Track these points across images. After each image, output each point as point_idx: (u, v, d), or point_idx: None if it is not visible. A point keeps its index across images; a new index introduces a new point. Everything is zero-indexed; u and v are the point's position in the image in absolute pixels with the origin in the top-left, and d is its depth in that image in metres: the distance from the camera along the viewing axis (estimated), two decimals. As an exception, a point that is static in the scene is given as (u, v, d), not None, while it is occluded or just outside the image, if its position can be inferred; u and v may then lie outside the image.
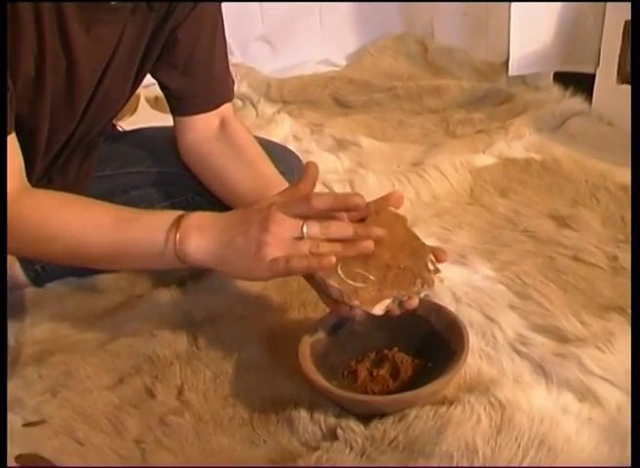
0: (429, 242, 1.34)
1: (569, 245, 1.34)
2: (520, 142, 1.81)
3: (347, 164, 1.81)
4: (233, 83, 1.36)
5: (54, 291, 1.37)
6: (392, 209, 1.02)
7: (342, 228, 0.95)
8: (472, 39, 2.40)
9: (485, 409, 0.94)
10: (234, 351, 1.15)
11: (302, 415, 0.98)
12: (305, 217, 0.93)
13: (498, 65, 2.29)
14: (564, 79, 2.08)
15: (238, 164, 1.24)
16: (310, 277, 1.02)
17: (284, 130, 2.05)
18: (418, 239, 1.01)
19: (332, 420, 0.97)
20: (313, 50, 2.60)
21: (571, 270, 1.26)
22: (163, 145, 1.36)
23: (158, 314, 1.28)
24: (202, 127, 1.29)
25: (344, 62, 2.63)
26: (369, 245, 0.93)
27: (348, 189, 1.64)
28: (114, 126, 1.55)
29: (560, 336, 1.10)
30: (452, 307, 1.17)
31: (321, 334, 1.06)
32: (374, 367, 1.04)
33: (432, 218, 1.50)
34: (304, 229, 0.92)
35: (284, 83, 2.33)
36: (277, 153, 1.40)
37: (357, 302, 0.94)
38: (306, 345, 1.03)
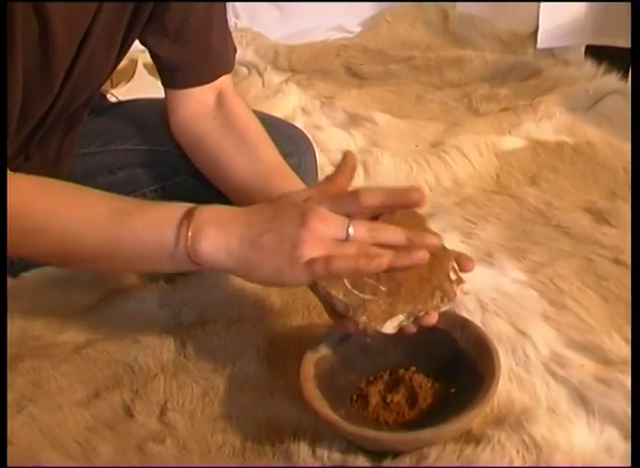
0: (452, 237, 1.24)
1: (608, 244, 1.19)
2: (550, 123, 1.66)
3: (361, 142, 1.67)
4: (235, 52, 1.22)
5: (29, 281, 1.23)
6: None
7: (394, 233, 0.80)
8: (497, 7, 2.23)
9: (518, 451, 0.81)
10: (227, 363, 1.02)
11: (303, 449, 0.85)
12: (349, 216, 0.80)
13: (524, 37, 2.13)
14: (597, 54, 1.92)
15: (235, 146, 1.11)
16: (314, 284, 0.86)
17: (292, 102, 1.90)
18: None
19: (337, 456, 0.84)
20: (325, 15, 2.43)
21: (611, 275, 1.12)
22: (155, 121, 1.23)
23: (143, 314, 1.15)
24: (196, 102, 1.15)
25: (358, 29, 2.46)
26: (424, 256, 0.78)
27: (360, 170, 1.49)
28: (103, 97, 1.43)
29: (602, 357, 0.96)
30: (477, 317, 1.04)
31: (326, 350, 0.93)
32: (387, 390, 0.90)
33: (454, 208, 1.35)
34: (350, 230, 0.78)
35: (293, 50, 2.17)
36: (282, 131, 1.27)
37: (364, 318, 0.80)
38: (309, 364, 0.90)
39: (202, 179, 1.17)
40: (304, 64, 2.14)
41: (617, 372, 0.92)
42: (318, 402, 0.84)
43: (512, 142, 1.56)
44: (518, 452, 0.80)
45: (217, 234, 0.80)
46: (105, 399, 0.97)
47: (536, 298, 1.08)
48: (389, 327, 0.81)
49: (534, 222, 1.29)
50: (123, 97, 1.55)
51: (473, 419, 0.83)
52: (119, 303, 1.17)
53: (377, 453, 0.83)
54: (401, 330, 0.82)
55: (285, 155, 1.19)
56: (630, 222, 1.10)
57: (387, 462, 0.82)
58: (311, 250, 0.76)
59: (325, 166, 1.53)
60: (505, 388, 0.92)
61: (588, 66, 1.88)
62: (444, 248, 0.85)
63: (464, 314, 1.04)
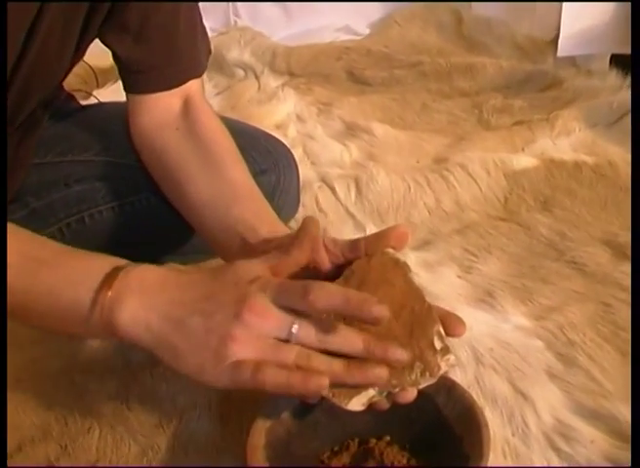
0: (449, 270, 1.08)
1: (629, 286, 1.01)
2: (568, 140, 1.49)
3: (356, 155, 1.51)
4: (208, 54, 1.09)
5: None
6: (391, 251, 0.73)
7: (350, 341, 0.65)
8: (516, 11, 2.06)
9: None
10: (173, 416, 0.88)
11: None
12: (298, 313, 0.65)
13: (544, 43, 1.96)
14: (623, 63, 1.74)
15: (197, 162, 0.96)
16: None
17: (287, 108, 1.75)
18: (423, 300, 0.70)
19: None
20: (332, 15, 2.27)
21: (633, 325, 0.94)
22: (119, 129, 1.09)
23: (87, 350, 1.00)
24: (160, 109, 1.01)
25: (367, 31, 2.30)
26: (382, 374, 0.64)
27: (352, 188, 1.34)
28: (71, 98, 1.28)
29: (617, 430, 0.81)
30: (470, 371, 0.89)
31: (284, 413, 0.77)
32: (353, 465, 0.74)
33: (454, 236, 1.19)
34: (294, 329, 0.64)
35: (292, 52, 2.01)
36: (259, 145, 1.15)
37: (326, 392, 0.65)
38: (260, 430, 0.74)
39: (164, 197, 1.03)
40: (303, 67, 1.98)
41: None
42: (262, 480, 0.68)
43: (524, 161, 1.39)
44: None
45: (138, 304, 0.67)
46: (28, 454, 0.84)
47: (541, 351, 0.93)
48: (356, 404, 0.66)
49: (544, 256, 1.12)
50: (109, 99, 1.41)
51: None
52: (61, 337, 1.01)
53: None
54: (371, 405, 0.67)
55: (261, 172, 1.08)
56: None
57: None
58: (241, 350, 0.63)
59: (314, 182, 1.38)
60: (498, 464, 0.76)
61: (613, 77, 1.71)
62: (429, 306, 0.69)
63: (455, 367, 0.88)
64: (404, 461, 0.74)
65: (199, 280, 0.69)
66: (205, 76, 2.05)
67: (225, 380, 0.64)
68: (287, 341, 0.64)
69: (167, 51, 1.00)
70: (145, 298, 0.67)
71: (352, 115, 1.68)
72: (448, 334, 0.68)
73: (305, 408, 0.78)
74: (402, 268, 0.70)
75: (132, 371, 0.94)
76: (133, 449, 0.83)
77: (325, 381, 0.61)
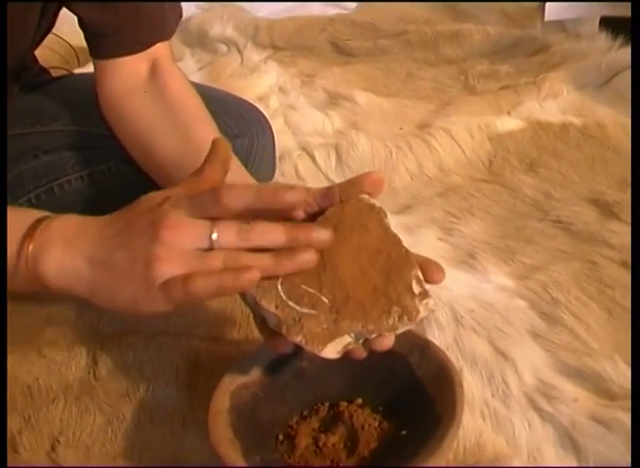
0: (429, 233, 1.04)
1: (617, 244, 0.98)
2: (555, 102, 1.44)
3: (338, 124, 1.46)
4: (179, 18, 1.05)
5: None
6: (366, 197, 0.68)
7: (271, 231, 0.63)
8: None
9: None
10: (140, 385, 0.85)
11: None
12: (215, 219, 0.63)
13: (532, 9, 1.90)
14: (613, 26, 1.69)
15: (165, 123, 0.93)
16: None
17: (268, 80, 1.70)
18: (399, 245, 0.66)
19: (248, 518, 0.64)
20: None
21: (619, 282, 0.92)
22: (88, 98, 1.05)
23: (56, 321, 0.97)
24: (126, 74, 0.98)
25: (354, 5, 2.24)
26: (310, 258, 0.62)
27: (332, 156, 1.29)
28: (44, 71, 1.24)
29: (602, 389, 0.77)
30: (449, 332, 0.86)
31: (250, 375, 0.74)
32: (322, 430, 0.71)
33: (435, 199, 1.15)
34: (214, 236, 0.62)
35: (274, 25, 1.96)
36: (231, 109, 1.11)
37: (300, 338, 0.62)
38: (224, 393, 0.71)
39: (134, 165, 1.00)
40: (287, 40, 1.93)
41: (618, 410, 0.72)
42: (225, 444, 0.65)
43: (510, 123, 1.35)
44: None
45: (62, 253, 0.66)
46: (-11, 428, 0.79)
47: (524, 310, 0.89)
48: (332, 350, 0.62)
49: (528, 216, 1.08)
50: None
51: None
52: (30, 310, 0.99)
53: (299, 516, 0.64)
54: (347, 353, 0.63)
55: (234, 136, 1.05)
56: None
57: None
58: (166, 268, 0.61)
59: (294, 151, 1.34)
60: (476, 428, 0.73)
61: (602, 39, 1.65)
62: (406, 251, 0.65)
63: (434, 329, 0.85)
64: (375, 424, 0.70)
65: (116, 216, 0.67)
66: (187, 52, 2.02)
67: (161, 303, 0.62)
68: (211, 250, 0.62)
69: (132, 14, 0.96)
70: (68, 246, 0.65)
71: (335, 85, 1.63)
72: (427, 281, 0.64)
73: (274, 371, 0.75)
74: (378, 213, 0.66)
75: (100, 342, 0.91)
76: (98, 420, 0.80)
77: (256, 273, 0.59)
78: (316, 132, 1.43)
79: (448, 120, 1.36)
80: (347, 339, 0.62)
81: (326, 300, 0.63)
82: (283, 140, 1.35)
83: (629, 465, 0.64)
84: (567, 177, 1.17)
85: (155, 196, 0.66)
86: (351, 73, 1.70)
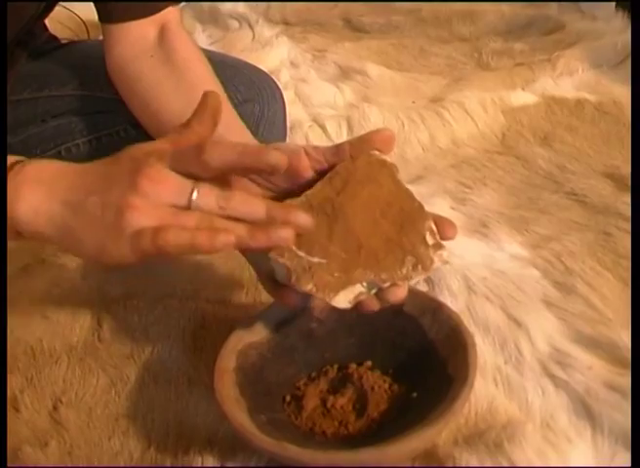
0: (442, 202, 1.02)
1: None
2: (570, 79, 1.42)
3: (350, 97, 1.45)
4: None
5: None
6: (377, 153, 0.66)
7: (250, 204, 0.60)
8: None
9: (493, 480, 0.59)
10: (145, 347, 0.83)
11: (207, 465, 0.63)
12: (197, 178, 0.60)
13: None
14: (629, 5, 1.65)
15: (172, 87, 0.91)
16: None
17: (280, 54, 1.68)
18: (412, 199, 0.65)
19: (252, 478, 0.63)
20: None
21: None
22: (96, 63, 1.03)
23: (61, 284, 0.96)
24: (134, 38, 0.96)
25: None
26: (286, 235, 0.58)
27: (344, 128, 1.28)
28: (54, 38, 1.22)
29: (616, 357, 0.75)
30: (461, 300, 0.84)
31: (258, 336, 0.72)
32: (331, 391, 0.69)
33: (448, 170, 1.13)
34: (194, 196, 0.59)
35: (286, 1, 1.93)
36: (242, 75, 1.09)
37: (311, 287, 0.60)
38: (231, 353, 0.69)
39: (142, 129, 0.97)
40: (298, 16, 1.91)
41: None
42: (231, 403, 0.64)
43: (524, 98, 1.34)
44: (492, 484, 0.59)
45: (37, 195, 0.63)
46: (-9, 388, 0.78)
47: (537, 279, 0.87)
48: (343, 299, 0.61)
49: (542, 188, 1.06)
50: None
51: (433, 438, 0.62)
52: (38, 273, 0.99)
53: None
54: (359, 305, 0.62)
55: (244, 102, 1.03)
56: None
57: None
58: (139, 218, 0.58)
59: (305, 122, 1.32)
60: (488, 394, 0.71)
61: (619, 20, 1.63)
62: (419, 204, 0.64)
63: (446, 296, 0.83)
64: (385, 386, 0.69)
65: (98, 163, 0.64)
66: (199, 28, 2.00)
67: (128, 252, 0.59)
68: (187, 209, 0.59)
69: None
70: (43, 188, 0.63)
71: (347, 59, 1.61)
72: (441, 236, 0.63)
73: (282, 332, 0.73)
74: (389, 168, 0.65)
75: (105, 304, 0.90)
76: (101, 381, 0.79)
77: (231, 238, 0.57)
78: (327, 104, 1.42)
79: (461, 94, 1.34)
80: (359, 289, 0.61)
81: (337, 250, 0.61)
82: (294, 112, 1.33)
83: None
84: (582, 151, 1.15)
85: (141, 147, 0.63)
86: (363, 48, 1.68)
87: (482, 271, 0.87)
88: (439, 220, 0.64)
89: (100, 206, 0.60)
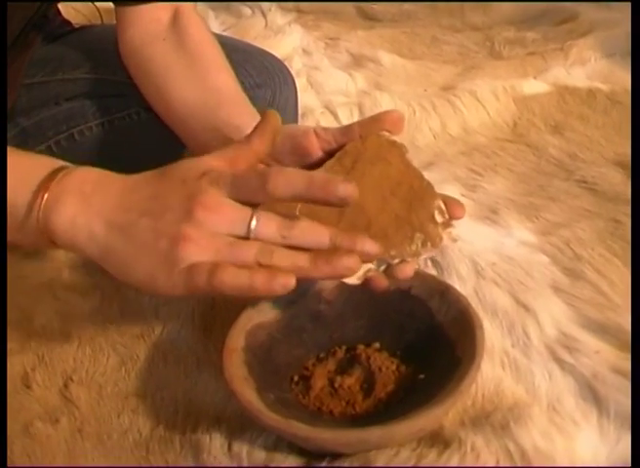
0: (452, 189, 1.02)
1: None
2: (583, 69, 1.42)
3: (362, 84, 1.45)
4: None
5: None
6: (386, 134, 0.67)
7: (313, 232, 0.57)
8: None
9: (498, 461, 0.59)
10: (155, 327, 0.84)
11: (215, 444, 0.64)
12: (256, 207, 0.58)
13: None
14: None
15: (183, 71, 0.91)
16: None
17: (292, 42, 1.68)
18: (421, 178, 0.66)
19: (260, 455, 0.64)
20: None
21: (644, 241, 0.89)
22: (109, 47, 1.03)
23: (73, 265, 0.96)
24: (147, 21, 0.96)
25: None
26: (351, 265, 0.56)
27: (356, 114, 1.28)
28: (67, 23, 1.23)
29: (624, 342, 0.74)
30: (470, 284, 0.84)
31: (267, 316, 0.73)
32: (338, 372, 0.70)
33: (459, 157, 1.13)
34: (253, 224, 0.56)
35: (299, -12, 1.94)
36: (254, 60, 1.10)
37: None
38: (240, 332, 0.70)
39: (155, 112, 0.97)
40: (311, 4, 1.91)
41: (642, 362, 0.70)
42: (240, 381, 0.64)
43: (535, 87, 1.33)
44: (497, 464, 0.59)
45: (78, 209, 0.60)
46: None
47: (546, 265, 0.87)
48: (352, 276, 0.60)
49: (553, 176, 1.06)
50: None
51: (439, 417, 0.62)
52: (49, 255, 0.99)
53: (312, 453, 0.62)
54: (368, 282, 0.63)
55: (256, 86, 1.04)
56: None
57: (322, 466, 0.61)
58: (195, 251, 0.55)
59: (317, 108, 1.32)
60: (495, 376, 0.71)
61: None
62: (428, 183, 0.65)
63: (454, 280, 0.84)
64: (392, 367, 0.69)
65: (144, 180, 0.61)
66: (211, 14, 2.00)
67: (180, 287, 0.56)
68: (245, 239, 0.56)
69: None
70: (86, 203, 0.60)
71: (360, 47, 1.61)
72: (449, 215, 0.63)
73: (291, 313, 0.74)
74: (399, 148, 0.65)
75: (115, 285, 0.90)
76: (111, 360, 0.80)
77: (292, 280, 0.54)
78: (339, 91, 1.42)
79: (473, 82, 1.34)
80: (368, 265, 0.61)
81: (347, 227, 0.62)
82: (306, 99, 1.33)
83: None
84: (593, 140, 1.15)
85: (193, 165, 0.60)
86: (376, 37, 1.68)
87: (491, 256, 0.87)
88: (447, 200, 0.65)
89: (151, 232, 0.57)
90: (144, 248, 0.57)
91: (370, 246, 0.57)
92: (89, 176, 0.63)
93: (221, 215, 0.56)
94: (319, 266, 0.56)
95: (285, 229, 0.56)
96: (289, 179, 0.56)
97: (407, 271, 0.62)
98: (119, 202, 0.60)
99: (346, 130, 0.67)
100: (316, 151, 0.68)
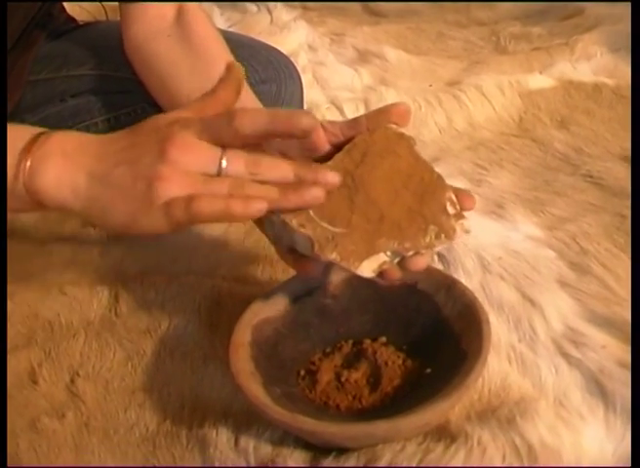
0: (458, 183, 1.00)
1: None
2: (588, 64, 1.42)
3: (367, 80, 1.45)
4: None
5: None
6: (394, 126, 0.67)
7: (279, 167, 0.61)
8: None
9: (504, 456, 0.59)
10: (161, 322, 0.84)
11: (222, 439, 0.64)
12: (225, 145, 0.60)
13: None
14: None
15: (189, 66, 0.91)
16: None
17: (297, 38, 1.68)
18: (431, 170, 0.66)
19: (266, 450, 0.64)
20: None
21: (651, 235, 0.89)
22: (113, 43, 1.04)
23: (79, 261, 0.97)
24: (152, 17, 0.96)
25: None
26: (318, 194, 0.59)
27: (361, 110, 1.28)
28: (72, 19, 1.23)
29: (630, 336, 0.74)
30: (476, 278, 0.84)
31: (273, 311, 0.73)
32: (345, 366, 0.70)
33: (464, 152, 1.13)
34: (223, 162, 0.59)
35: (305, -16, 1.94)
36: (260, 55, 1.10)
37: (335, 255, 0.60)
38: (246, 327, 0.70)
39: (160, 108, 0.97)
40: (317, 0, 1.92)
41: (648, 356, 0.70)
42: (246, 376, 0.64)
43: (541, 82, 1.33)
44: (504, 459, 0.59)
45: (61, 167, 0.63)
46: (9, 362, 0.79)
47: (552, 260, 0.87)
48: (367, 268, 0.61)
49: (558, 170, 1.06)
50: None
51: (446, 411, 0.62)
52: (55, 250, 1.00)
53: (318, 448, 0.62)
54: (382, 275, 0.62)
55: (261, 82, 1.04)
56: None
57: (328, 461, 0.61)
58: (171, 187, 0.58)
59: (322, 104, 1.32)
60: (502, 371, 0.71)
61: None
62: (438, 176, 0.65)
63: (460, 275, 0.84)
64: (399, 362, 0.69)
65: (120, 134, 0.64)
66: (217, 11, 2.00)
67: (160, 223, 0.59)
68: (217, 176, 0.59)
69: None
70: (67, 160, 0.63)
71: (365, 43, 1.61)
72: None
73: (297, 308, 0.74)
74: (407, 141, 0.65)
75: (122, 281, 0.90)
76: (118, 355, 0.80)
77: (264, 205, 0.57)
78: (345, 87, 1.42)
79: (478, 77, 1.34)
80: (383, 258, 0.61)
81: (360, 220, 0.62)
82: (311, 94, 1.33)
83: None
84: (599, 135, 1.14)
85: (164, 117, 0.63)
86: (381, 32, 1.68)
87: (497, 251, 0.87)
88: (458, 192, 0.66)
89: (129, 176, 0.59)
90: (124, 192, 0.60)
91: (331, 176, 0.60)
92: (69, 137, 0.65)
93: (193, 155, 0.59)
94: (288, 197, 0.59)
95: (252, 165, 0.59)
96: (253, 116, 0.60)
97: (421, 263, 0.63)
98: (99, 153, 0.62)
99: (354, 123, 0.67)
100: (324, 145, 0.68)
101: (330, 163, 0.64)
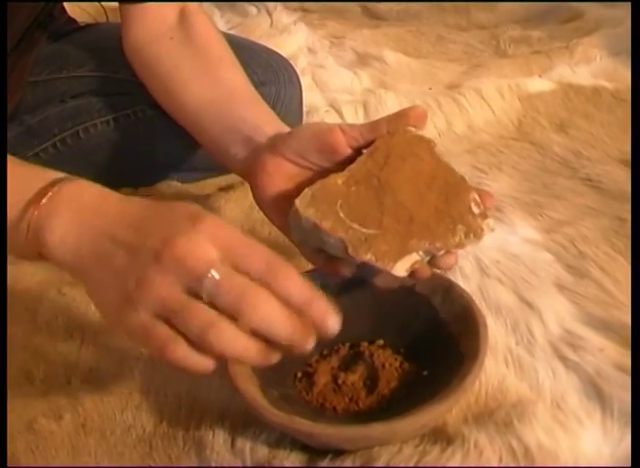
0: None
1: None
2: (588, 67, 1.42)
3: (367, 83, 1.45)
4: None
5: None
6: (413, 129, 0.69)
7: (274, 312, 0.56)
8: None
9: (501, 459, 0.59)
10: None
11: (218, 440, 0.64)
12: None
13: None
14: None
15: (192, 68, 0.91)
16: (279, 214, 0.71)
17: (297, 41, 1.69)
18: (454, 172, 0.69)
19: (262, 452, 0.64)
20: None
21: (649, 239, 0.89)
22: (114, 45, 1.03)
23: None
24: (153, 19, 0.96)
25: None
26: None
27: (360, 113, 1.28)
28: (72, 21, 1.24)
29: (628, 339, 0.74)
30: (474, 282, 0.84)
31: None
32: (342, 368, 0.69)
33: (463, 155, 1.13)
34: (211, 274, 0.53)
35: (304, -13, 1.95)
36: (260, 58, 1.11)
37: (369, 256, 0.61)
38: (244, 329, 0.69)
39: (160, 110, 0.98)
40: (316, 3, 1.93)
41: (646, 360, 0.70)
42: (244, 378, 0.64)
43: (540, 85, 1.34)
44: (500, 461, 0.59)
45: (68, 224, 0.59)
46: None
47: (551, 263, 0.87)
48: (401, 268, 0.63)
49: (557, 174, 1.06)
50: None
51: (442, 414, 0.62)
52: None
53: (315, 450, 0.62)
54: (414, 274, 0.65)
55: (260, 84, 1.03)
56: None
57: (325, 463, 0.61)
58: (151, 299, 0.54)
59: (322, 107, 1.32)
60: (499, 374, 0.71)
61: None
62: (461, 177, 0.68)
63: (458, 278, 0.84)
64: (396, 364, 0.69)
65: (137, 209, 0.60)
66: (217, 13, 2.00)
67: (123, 332, 0.57)
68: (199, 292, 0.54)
69: None
70: (78, 218, 0.59)
71: (365, 46, 1.61)
72: None
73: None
74: (428, 143, 0.67)
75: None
76: (115, 356, 0.79)
77: (211, 366, 0.56)
78: (344, 89, 1.42)
79: (478, 81, 1.35)
80: (415, 257, 0.63)
81: (390, 221, 0.63)
82: (311, 97, 1.33)
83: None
84: (598, 138, 1.15)
85: (186, 206, 0.58)
86: (381, 35, 1.69)
87: (495, 254, 0.87)
88: (479, 192, 0.68)
89: (125, 265, 0.56)
90: (114, 281, 0.56)
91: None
92: (85, 193, 0.61)
93: (186, 263, 0.53)
94: (267, 356, 0.57)
95: (234, 295, 0.54)
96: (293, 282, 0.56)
97: (450, 262, 0.65)
98: (107, 227, 0.58)
99: (374, 126, 0.68)
100: (343, 148, 0.68)
101: (353, 166, 0.66)
